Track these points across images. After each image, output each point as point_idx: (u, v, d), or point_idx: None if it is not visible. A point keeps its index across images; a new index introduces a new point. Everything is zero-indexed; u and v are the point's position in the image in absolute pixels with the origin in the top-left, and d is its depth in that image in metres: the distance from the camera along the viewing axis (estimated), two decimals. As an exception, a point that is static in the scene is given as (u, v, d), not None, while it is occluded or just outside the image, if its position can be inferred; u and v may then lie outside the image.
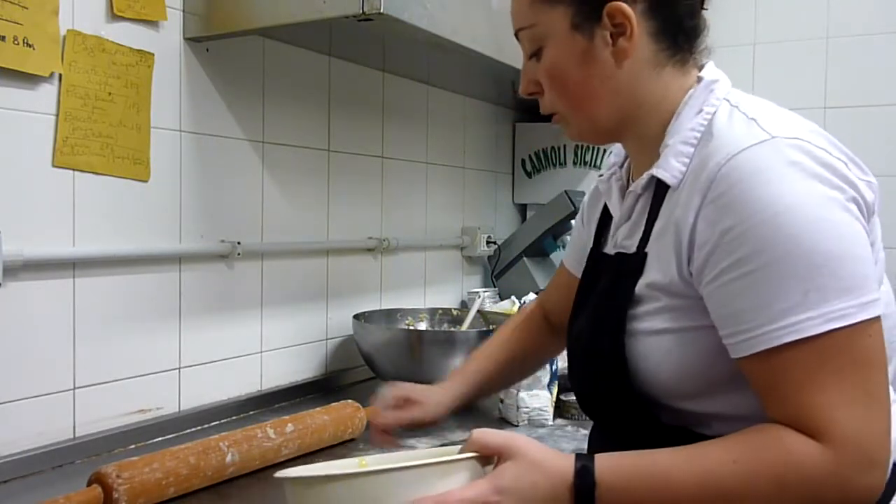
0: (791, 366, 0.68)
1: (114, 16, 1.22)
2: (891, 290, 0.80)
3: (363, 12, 1.17)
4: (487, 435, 0.74)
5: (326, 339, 1.72)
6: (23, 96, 1.11)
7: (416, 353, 1.50)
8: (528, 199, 2.51)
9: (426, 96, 2.04)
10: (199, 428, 1.35)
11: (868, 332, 0.68)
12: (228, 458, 1.06)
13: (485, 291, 2.07)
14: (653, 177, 0.81)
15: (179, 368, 1.37)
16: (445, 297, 2.16)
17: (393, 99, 1.90)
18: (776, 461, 0.67)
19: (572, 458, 0.72)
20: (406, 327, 1.76)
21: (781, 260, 0.68)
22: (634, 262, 0.82)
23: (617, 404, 0.84)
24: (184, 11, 1.34)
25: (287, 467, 1.15)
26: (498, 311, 1.88)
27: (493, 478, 0.71)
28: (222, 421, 1.40)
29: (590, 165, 2.38)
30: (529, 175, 2.48)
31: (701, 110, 0.80)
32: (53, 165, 1.15)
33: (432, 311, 1.86)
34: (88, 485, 0.94)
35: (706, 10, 0.87)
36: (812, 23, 2.30)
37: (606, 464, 0.71)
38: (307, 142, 1.64)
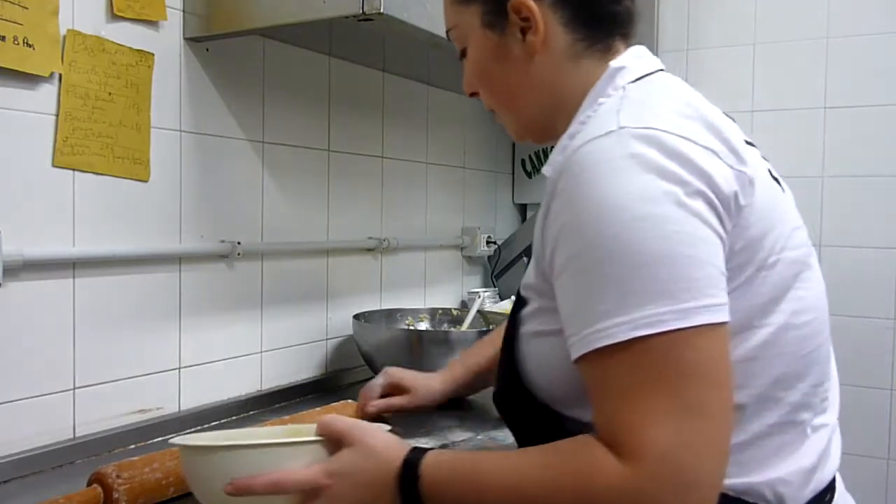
0: (603, 373, 0.63)
1: (114, 16, 1.22)
2: (815, 296, 0.73)
3: (363, 12, 1.17)
4: (335, 421, 0.75)
5: (326, 339, 1.72)
6: (23, 96, 1.11)
7: (416, 353, 1.50)
8: (528, 199, 2.51)
9: (426, 96, 2.04)
10: (199, 428, 1.35)
11: (692, 341, 0.60)
12: (228, 458, 1.05)
13: (485, 291, 2.07)
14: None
15: (179, 368, 1.37)
16: (445, 297, 2.16)
17: (393, 99, 1.90)
18: (578, 475, 0.62)
19: (406, 449, 0.73)
20: (406, 327, 1.76)
21: (603, 260, 0.63)
22: (527, 264, 0.83)
23: (519, 408, 0.81)
24: (184, 11, 1.34)
25: (287, 467, 1.15)
26: (498, 311, 1.88)
27: (328, 462, 0.73)
28: (222, 421, 1.40)
29: (590, 165, 2.37)
30: (529, 175, 2.48)
31: (597, 101, 0.76)
32: (53, 165, 1.15)
33: (432, 311, 1.86)
34: (88, 485, 0.94)
35: None
36: (812, 23, 2.30)
37: (434, 460, 0.71)
38: (307, 142, 1.64)
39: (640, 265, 0.62)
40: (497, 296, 2.21)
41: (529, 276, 0.78)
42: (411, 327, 1.77)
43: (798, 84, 2.32)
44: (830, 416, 0.75)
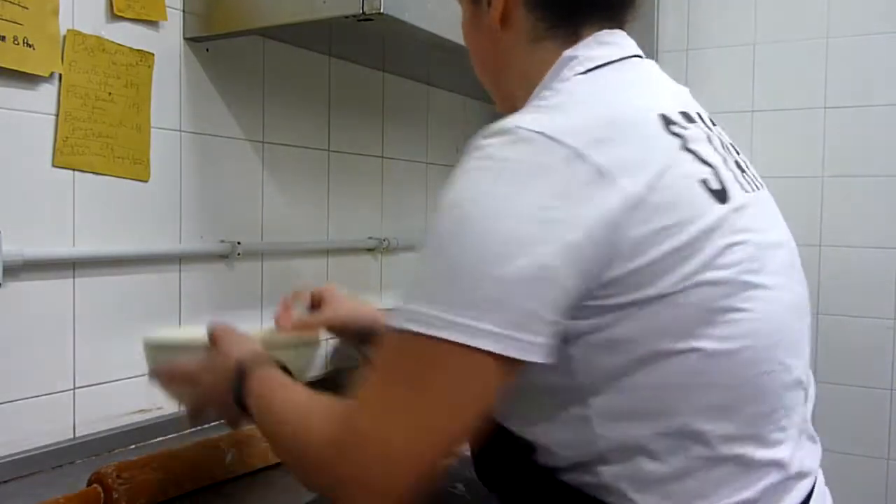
0: (382, 348, 0.65)
1: (114, 16, 1.22)
2: (758, 319, 0.65)
3: (363, 12, 1.17)
4: (217, 326, 0.89)
5: (326, 339, 1.71)
6: (23, 96, 1.11)
7: (416, 353, 1.50)
8: (528, 199, 2.50)
9: (426, 96, 2.04)
10: (199, 428, 1.35)
11: (454, 355, 0.59)
12: (228, 458, 1.06)
13: (485, 291, 2.07)
14: None
15: (179, 368, 1.37)
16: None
17: (393, 99, 1.90)
18: (310, 423, 0.67)
19: (244, 361, 0.81)
20: (406, 327, 1.75)
21: (426, 250, 0.64)
22: None
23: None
24: (184, 11, 1.34)
25: (287, 467, 1.15)
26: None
27: (205, 359, 0.86)
28: (222, 420, 1.39)
29: (590, 165, 2.37)
30: (529, 175, 2.48)
31: (542, 92, 0.72)
32: (53, 165, 1.15)
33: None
34: (88, 485, 0.94)
35: None
36: (812, 23, 2.30)
37: (259, 372, 0.78)
38: (307, 142, 1.64)
39: (449, 262, 0.61)
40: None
41: None
42: (411, 327, 1.77)
43: (798, 84, 2.32)
44: (784, 451, 0.67)
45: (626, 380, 0.63)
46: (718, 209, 0.64)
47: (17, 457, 1.10)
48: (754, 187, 0.72)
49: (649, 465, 0.63)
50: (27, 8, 1.09)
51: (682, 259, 0.62)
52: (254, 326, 1.52)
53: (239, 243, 1.44)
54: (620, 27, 0.77)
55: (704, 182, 0.65)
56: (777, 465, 0.66)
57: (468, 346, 0.58)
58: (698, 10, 2.45)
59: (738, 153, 0.76)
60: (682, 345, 0.62)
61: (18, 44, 1.09)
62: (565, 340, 0.63)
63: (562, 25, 0.76)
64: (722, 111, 2.41)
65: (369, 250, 1.83)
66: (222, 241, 1.43)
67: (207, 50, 1.39)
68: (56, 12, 1.13)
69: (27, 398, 1.14)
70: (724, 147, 0.73)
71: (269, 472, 1.12)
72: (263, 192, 1.53)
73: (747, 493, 0.64)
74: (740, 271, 0.64)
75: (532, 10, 0.76)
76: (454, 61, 1.74)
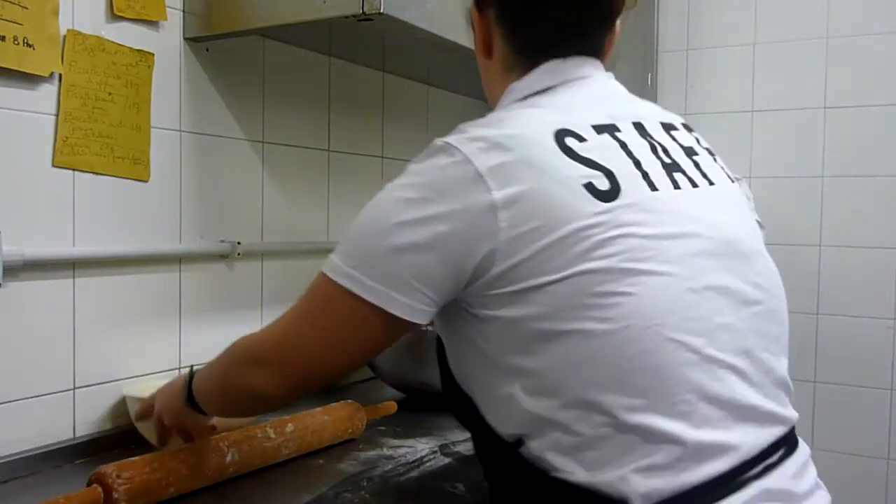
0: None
1: (114, 16, 1.22)
2: (639, 303, 0.71)
3: (363, 12, 1.17)
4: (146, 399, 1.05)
5: (326, 339, 1.71)
6: (23, 96, 1.11)
7: (416, 353, 1.50)
8: (528, 199, 2.50)
9: (426, 96, 2.04)
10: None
11: (338, 295, 0.77)
12: (228, 458, 1.06)
13: (485, 291, 2.07)
14: None
15: (179, 368, 1.37)
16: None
17: (393, 99, 1.90)
18: (241, 341, 0.89)
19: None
20: (406, 327, 1.76)
21: (359, 214, 0.80)
22: None
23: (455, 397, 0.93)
24: (184, 11, 1.34)
25: (287, 467, 1.16)
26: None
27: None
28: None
29: (590, 165, 2.37)
30: (529, 175, 2.48)
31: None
32: (53, 165, 1.15)
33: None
34: (88, 485, 0.94)
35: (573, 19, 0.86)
36: (812, 23, 2.30)
37: (202, 372, 0.94)
38: (307, 142, 1.64)
39: (353, 232, 0.79)
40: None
41: None
42: (411, 327, 1.77)
43: (798, 84, 2.32)
44: (684, 426, 0.71)
45: (527, 359, 0.73)
46: (599, 207, 0.72)
47: (17, 457, 1.10)
48: (693, 185, 0.80)
49: (563, 437, 0.72)
50: (27, 8, 1.09)
51: (557, 253, 0.70)
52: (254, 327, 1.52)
53: (239, 243, 1.44)
54: (589, 54, 0.87)
55: (589, 185, 0.73)
56: (675, 437, 0.70)
57: (350, 292, 0.76)
58: (698, 10, 2.45)
59: (695, 154, 0.84)
60: (566, 326, 0.71)
61: (18, 44, 1.09)
62: (482, 321, 0.75)
63: (523, 56, 0.87)
64: (722, 111, 2.42)
65: (369, 250, 1.83)
66: (222, 241, 1.43)
67: (207, 50, 1.39)
68: (56, 12, 1.13)
69: (27, 398, 1.14)
70: (663, 151, 0.80)
71: (269, 472, 1.13)
72: (263, 192, 1.53)
73: (646, 461, 0.70)
74: (622, 259, 0.71)
75: (507, 44, 0.88)
76: (454, 61, 1.75)
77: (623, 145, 0.78)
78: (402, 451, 1.24)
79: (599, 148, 0.76)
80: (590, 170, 0.74)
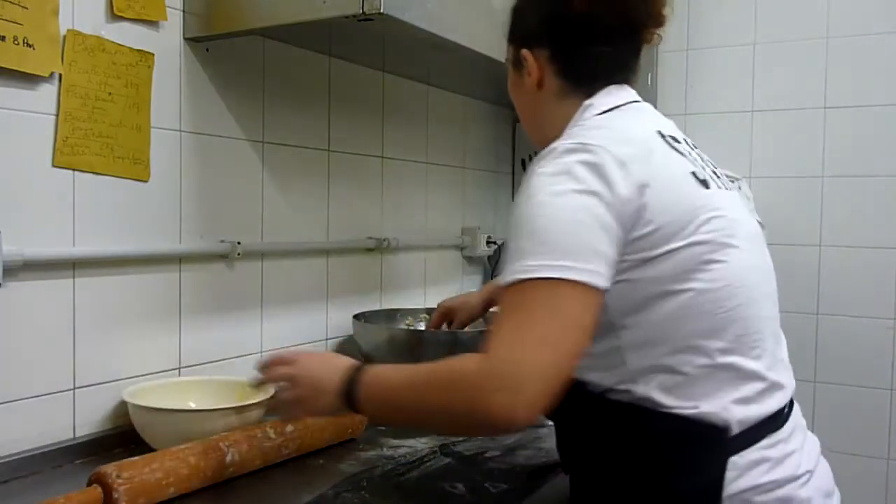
0: (501, 304, 0.86)
1: (114, 16, 1.22)
2: (733, 268, 0.89)
3: (363, 12, 1.17)
4: (284, 351, 1.03)
5: (326, 339, 1.72)
6: (23, 96, 1.11)
7: (416, 353, 1.50)
8: (528, 199, 2.50)
9: (426, 96, 2.04)
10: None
11: (559, 290, 0.80)
12: (228, 458, 1.06)
13: (485, 291, 2.07)
14: None
15: (179, 368, 1.37)
16: (445, 297, 2.16)
17: (393, 99, 1.90)
18: (450, 367, 0.84)
19: (354, 361, 0.95)
20: (406, 327, 1.76)
21: (513, 229, 0.86)
22: None
23: None
24: (184, 11, 1.34)
25: (287, 467, 1.16)
26: (498, 310, 1.87)
27: (292, 366, 0.97)
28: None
29: (590, 165, 2.37)
30: (529, 175, 2.48)
31: (569, 130, 0.97)
32: (53, 165, 1.15)
33: (432, 311, 1.85)
34: (88, 485, 0.94)
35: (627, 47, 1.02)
36: (812, 23, 2.30)
37: (375, 367, 0.92)
38: (307, 142, 1.64)
39: (529, 233, 0.84)
40: (497, 296, 2.21)
41: None
42: (411, 327, 1.77)
43: (798, 84, 2.32)
44: (766, 363, 0.92)
45: (642, 314, 0.88)
46: (704, 192, 0.91)
47: (17, 457, 1.10)
48: (726, 187, 0.98)
49: (668, 378, 0.87)
50: (27, 8, 1.09)
51: (680, 226, 0.87)
52: (255, 327, 1.52)
53: (239, 243, 1.44)
54: (629, 83, 1.04)
55: (694, 174, 0.92)
56: (758, 375, 0.90)
57: (561, 280, 0.80)
58: (698, 10, 2.45)
59: (714, 166, 1.01)
60: (680, 286, 0.87)
61: (18, 44, 1.09)
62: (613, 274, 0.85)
63: (581, 87, 1.01)
64: (722, 111, 2.42)
65: (369, 250, 1.83)
66: (222, 241, 1.43)
67: (207, 50, 1.39)
68: (56, 12, 1.13)
69: (27, 398, 1.14)
70: (702, 160, 0.98)
71: (269, 472, 1.13)
72: (263, 192, 1.53)
73: (740, 394, 0.88)
74: (719, 235, 0.89)
75: (560, 78, 1.02)
76: (454, 61, 1.75)
77: (689, 153, 0.96)
78: (402, 451, 1.24)
79: (683, 150, 0.94)
80: (689, 163, 0.93)
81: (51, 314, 1.16)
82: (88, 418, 1.22)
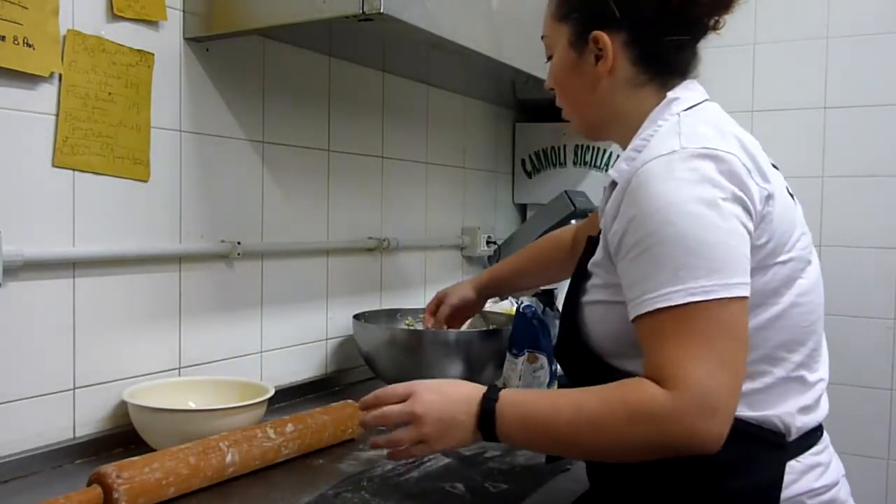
0: (660, 328, 0.81)
1: (114, 16, 1.22)
2: (813, 283, 0.93)
3: (363, 12, 1.17)
4: (392, 387, 0.95)
5: (326, 339, 1.72)
6: (23, 96, 1.11)
7: (416, 353, 1.50)
8: (528, 199, 2.50)
9: (426, 96, 2.04)
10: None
11: (729, 307, 0.80)
12: (228, 458, 1.06)
13: (485, 291, 2.06)
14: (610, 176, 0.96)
15: (179, 368, 1.37)
16: (445, 297, 2.16)
17: (393, 99, 1.90)
18: (631, 399, 0.81)
19: (477, 386, 0.92)
20: (406, 327, 1.76)
21: (662, 243, 0.82)
22: (593, 245, 0.98)
23: (577, 361, 1.00)
24: (184, 11, 1.34)
25: (287, 467, 1.16)
26: (498, 311, 1.87)
27: (412, 403, 0.91)
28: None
29: (590, 165, 2.37)
30: (529, 175, 2.48)
31: (656, 123, 0.93)
32: (53, 165, 1.15)
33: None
34: (88, 485, 0.94)
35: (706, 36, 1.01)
36: (812, 23, 2.30)
37: (508, 394, 0.89)
38: (307, 142, 1.64)
39: (692, 248, 0.80)
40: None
41: (598, 256, 0.95)
42: (411, 327, 1.77)
43: (798, 84, 2.32)
44: (822, 374, 0.96)
45: None
46: (795, 208, 0.93)
47: (17, 457, 1.10)
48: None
49: (744, 386, 0.83)
50: (27, 8, 1.09)
51: (784, 241, 0.88)
52: (255, 327, 1.52)
53: (239, 243, 1.44)
54: (696, 76, 1.02)
55: (787, 188, 0.94)
56: (816, 384, 0.94)
57: (737, 298, 0.80)
58: (698, 10, 2.44)
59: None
60: (775, 299, 0.88)
61: (18, 44, 1.09)
62: None
63: (657, 77, 0.97)
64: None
65: (369, 250, 1.83)
66: (222, 241, 1.43)
67: (207, 50, 1.39)
68: (56, 12, 1.13)
69: (27, 398, 1.14)
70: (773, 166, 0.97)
71: (269, 472, 1.13)
72: (263, 192, 1.53)
73: (804, 402, 0.91)
74: (805, 252, 0.92)
75: (636, 65, 0.97)
76: (454, 61, 1.75)
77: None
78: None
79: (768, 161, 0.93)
80: (781, 175, 0.93)
81: (51, 314, 1.16)
82: (88, 418, 1.22)
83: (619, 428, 0.81)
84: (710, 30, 1.00)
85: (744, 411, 0.86)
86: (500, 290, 1.54)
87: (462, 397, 0.90)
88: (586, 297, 0.97)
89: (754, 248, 0.85)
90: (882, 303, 2.22)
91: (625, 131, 0.98)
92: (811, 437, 0.92)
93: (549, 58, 1.05)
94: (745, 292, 0.81)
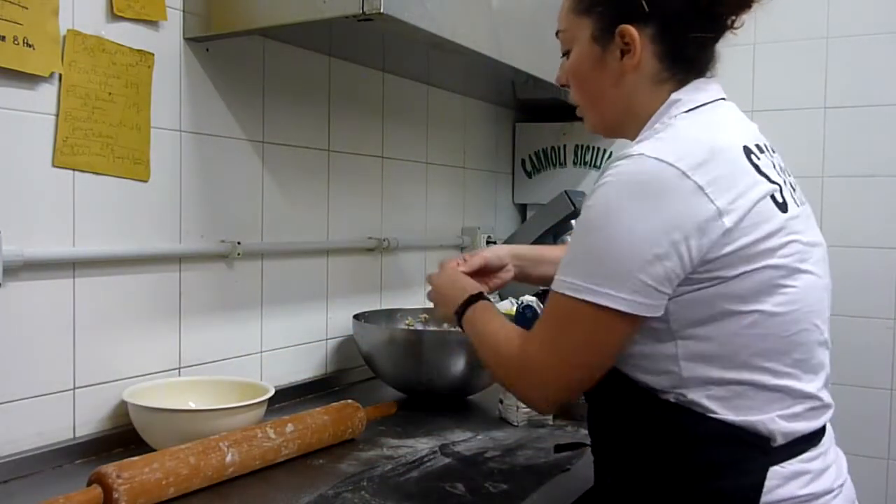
0: (548, 302, 0.92)
1: (114, 16, 1.22)
2: (803, 292, 0.89)
3: (363, 12, 1.17)
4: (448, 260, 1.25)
5: (326, 339, 1.72)
6: (23, 96, 1.11)
7: (416, 353, 1.50)
8: (528, 199, 2.50)
9: (426, 96, 2.04)
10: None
11: (593, 314, 0.85)
12: (228, 458, 1.06)
13: (485, 291, 2.06)
14: None
15: (179, 368, 1.37)
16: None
17: (393, 99, 1.90)
18: (508, 341, 0.97)
19: (476, 286, 1.14)
20: (406, 327, 1.76)
21: (576, 235, 0.89)
22: None
23: None
24: (184, 11, 1.34)
25: (287, 467, 1.16)
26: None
27: (435, 273, 1.22)
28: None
29: (590, 165, 2.37)
30: (529, 175, 2.48)
31: (654, 126, 0.94)
32: (53, 165, 1.15)
33: (433, 312, 1.85)
34: (88, 485, 0.94)
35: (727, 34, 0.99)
36: (812, 23, 2.30)
37: (482, 306, 1.07)
38: (307, 142, 1.64)
39: (590, 248, 0.87)
40: (497, 296, 2.20)
41: None
42: (411, 327, 1.77)
43: (798, 84, 2.32)
44: (816, 385, 0.92)
45: (705, 328, 0.87)
46: (781, 216, 0.89)
47: (17, 457, 1.10)
48: (801, 203, 0.96)
49: (721, 391, 0.87)
50: (27, 8, 1.09)
51: (755, 251, 0.86)
52: (255, 327, 1.52)
53: (239, 243, 1.44)
54: (713, 75, 1.00)
55: (773, 197, 0.89)
56: (809, 395, 0.91)
57: (601, 306, 0.84)
58: (698, 10, 2.44)
59: (789, 175, 0.98)
60: (748, 307, 0.86)
61: (18, 44, 1.09)
62: (673, 298, 0.86)
63: (678, 74, 0.96)
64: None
65: (369, 250, 1.83)
66: (222, 241, 1.43)
67: (207, 50, 1.39)
68: (56, 12, 1.13)
69: (27, 398, 1.14)
70: (781, 171, 0.95)
71: (269, 472, 1.13)
72: (263, 192, 1.53)
73: (790, 411, 0.89)
74: (793, 260, 0.88)
75: (660, 61, 0.95)
76: (454, 61, 1.75)
77: (773, 164, 0.94)
78: (402, 451, 1.24)
79: (766, 166, 0.91)
80: (770, 184, 0.89)
81: (51, 314, 1.16)
82: (88, 418, 1.22)
83: (494, 358, 0.99)
84: (728, 29, 0.99)
85: (728, 415, 0.87)
86: (521, 268, 1.36)
87: (462, 286, 1.12)
88: None
89: (711, 260, 0.84)
90: (882, 303, 2.22)
91: (636, 128, 0.98)
92: (802, 443, 0.90)
93: (566, 53, 1.03)
94: (618, 305, 0.84)
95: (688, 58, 0.96)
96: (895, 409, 2.22)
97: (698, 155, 0.86)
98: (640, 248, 0.83)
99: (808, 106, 2.31)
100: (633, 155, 0.87)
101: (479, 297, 1.09)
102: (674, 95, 0.95)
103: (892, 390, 2.22)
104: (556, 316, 0.90)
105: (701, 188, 0.84)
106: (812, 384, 0.92)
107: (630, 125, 0.99)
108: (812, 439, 0.91)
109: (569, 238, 0.90)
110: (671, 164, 0.84)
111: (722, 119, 0.95)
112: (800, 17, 2.31)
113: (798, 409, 0.90)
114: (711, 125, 0.93)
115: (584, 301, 0.85)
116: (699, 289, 0.86)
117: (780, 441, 0.88)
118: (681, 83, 0.96)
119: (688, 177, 0.84)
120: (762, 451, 0.88)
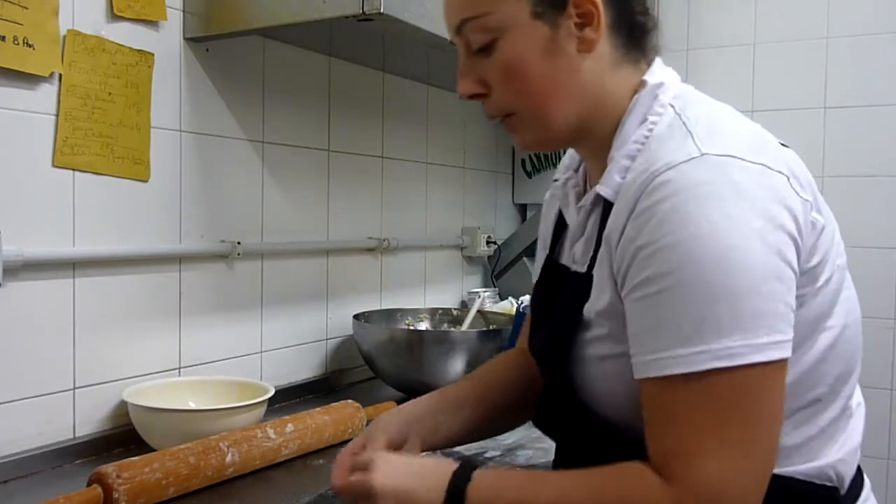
0: (670, 399, 0.65)
1: (114, 16, 1.22)
2: (854, 295, 0.77)
3: (363, 12, 1.17)
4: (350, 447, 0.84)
5: (326, 339, 1.71)
6: (23, 96, 1.11)
7: (416, 353, 1.50)
8: (528, 199, 2.50)
9: (426, 96, 2.04)
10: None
11: (760, 376, 0.63)
12: (228, 458, 1.06)
13: (485, 291, 2.07)
14: (599, 194, 0.77)
15: (179, 368, 1.37)
16: (445, 297, 2.16)
17: (393, 99, 1.90)
18: (623, 496, 0.65)
19: (450, 462, 0.75)
20: (406, 327, 1.76)
21: (683, 285, 0.63)
22: (582, 284, 0.77)
23: (572, 425, 0.83)
24: (184, 11, 1.34)
25: (287, 467, 1.16)
26: (498, 311, 1.88)
27: (373, 472, 0.74)
28: None
29: (590, 165, 2.37)
30: (529, 175, 2.48)
31: (645, 119, 0.76)
32: (53, 165, 1.15)
33: (432, 311, 1.85)
34: (88, 485, 0.94)
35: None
36: (812, 23, 2.30)
37: (481, 474, 0.72)
38: (307, 142, 1.64)
39: (721, 295, 0.63)
40: (497, 296, 2.21)
41: (600, 301, 0.75)
42: (411, 327, 1.77)
43: (798, 84, 2.32)
44: (858, 398, 0.81)
45: (797, 353, 0.68)
46: (829, 215, 0.75)
47: (17, 457, 1.10)
48: None
49: (797, 434, 0.72)
50: (27, 8, 1.09)
51: (829, 252, 0.72)
52: (255, 327, 1.52)
53: (239, 243, 1.44)
54: (658, 54, 0.83)
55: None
56: (861, 407, 0.80)
57: (770, 362, 0.63)
58: (698, 10, 2.45)
59: None
60: (827, 322, 0.72)
61: (18, 44, 1.09)
62: None
63: (631, 50, 0.79)
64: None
65: (369, 250, 1.83)
66: (222, 241, 1.43)
67: (207, 50, 1.39)
68: (56, 12, 1.13)
69: (27, 398, 1.14)
70: None
71: (269, 472, 1.13)
72: (263, 192, 1.53)
73: (855, 440, 0.77)
74: (842, 266, 0.75)
75: (613, 36, 0.77)
76: (454, 61, 1.74)
77: None
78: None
79: None
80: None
81: (51, 314, 1.16)
82: (88, 418, 1.22)
83: None
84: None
85: (794, 466, 0.71)
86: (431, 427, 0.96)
87: (427, 472, 0.74)
88: (590, 351, 0.77)
89: (805, 272, 0.69)
90: (882, 303, 2.22)
91: (604, 128, 0.78)
92: (857, 482, 0.79)
93: (483, 47, 0.78)
94: (784, 352, 0.64)
95: (637, 24, 0.79)
96: (895, 409, 2.22)
97: (761, 144, 0.71)
98: (772, 271, 0.64)
99: (808, 106, 2.31)
100: (692, 157, 0.67)
101: (465, 470, 0.73)
102: (650, 79, 0.78)
103: (892, 390, 2.22)
104: (719, 405, 0.63)
105: (788, 181, 0.68)
106: (855, 396, 0.80)
107: (597, 124, 0.79)
108: (860, 474, 0.80)
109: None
110: (742, 159, 0.66)
111: (718, 103, 0.80)
112: (800, 17, 2.31)
113: (857, 434, 0.78)
114: (729, 110, 0.78)
115: (749, 366, 0.62)
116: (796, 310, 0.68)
117: (846, 486, 0.76)
118: (636, 63, 0.79)
119: (774, 171, 0.67)
120: (832, 502, 0.74)
